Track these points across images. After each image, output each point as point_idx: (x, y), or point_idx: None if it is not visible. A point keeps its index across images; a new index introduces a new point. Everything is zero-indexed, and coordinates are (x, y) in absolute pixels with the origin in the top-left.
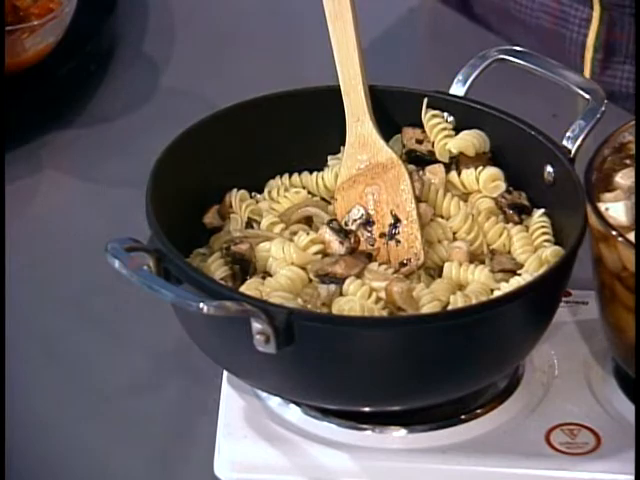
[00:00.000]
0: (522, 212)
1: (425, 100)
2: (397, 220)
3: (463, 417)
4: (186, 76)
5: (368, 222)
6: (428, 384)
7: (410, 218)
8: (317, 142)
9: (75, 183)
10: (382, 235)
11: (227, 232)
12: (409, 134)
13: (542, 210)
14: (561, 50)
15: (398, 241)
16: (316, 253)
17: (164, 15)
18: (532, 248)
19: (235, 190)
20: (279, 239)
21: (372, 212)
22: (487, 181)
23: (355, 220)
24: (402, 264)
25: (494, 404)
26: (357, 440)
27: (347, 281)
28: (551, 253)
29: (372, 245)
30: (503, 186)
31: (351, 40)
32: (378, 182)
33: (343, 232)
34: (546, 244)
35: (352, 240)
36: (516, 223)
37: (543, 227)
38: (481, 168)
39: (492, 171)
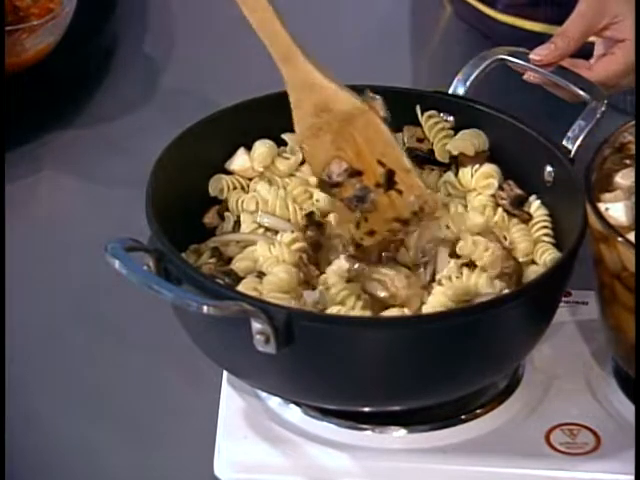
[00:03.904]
0: (522, 204)
1: (420, 103)
2: (391, 170)
3: (463, 417)
4: (186, 76)
5: (355, 173)
6: (428, 384)
7: (404, 167)
8: None
9: (75, 183)
10: (379, 185)
11: (220, 232)
12: (410, 132)
13: (539, 201)
14: None
15: (399, 191)
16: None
17: (164, 15)
18: (531, 238)
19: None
20: (262, 240)
21: (355, 163)
22: (479, 179)
23: (339, 174)
24: (415, 213)
25: (494, 404)
26: (357, 440)
27: (332, 291)
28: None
29: (367, 195)
30: (495, 184)
31: None
32: (350, 130)
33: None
34: (545, 238)
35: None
36: (525, 221)
37: (542, 221)
38: (478, 166)
39: (485, 169)
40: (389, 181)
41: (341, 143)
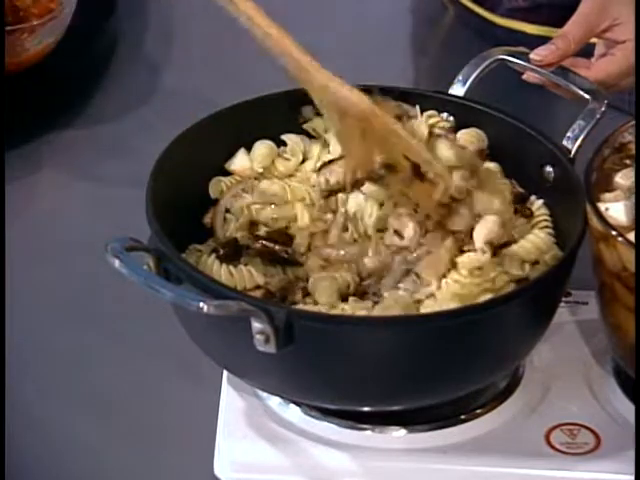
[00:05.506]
0: (524, 202)
1: (420, 103)
2: (416, 164)
3: (463, 417)
4: (186, 76)
5: (391, 168)
6: (428, 384)
7: (424, 159)
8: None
9: (75, 183)
10: (414, 176)
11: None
12: None
13: (541, 201)
14: None
15: (432, 182)
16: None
17: (164, 15)
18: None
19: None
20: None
21: (387, 159)
22: None
23: (378, 169)
24: (452, 198)
25: (494, 404)
26: (357, 440)
27: None
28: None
29: (410, 185)
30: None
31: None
32: (370, 131)
33: None
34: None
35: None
36: (527, 217)
37: (544, 220)
38: None
39: (486, 165)
40: (418, 173)
41: (369, 143)
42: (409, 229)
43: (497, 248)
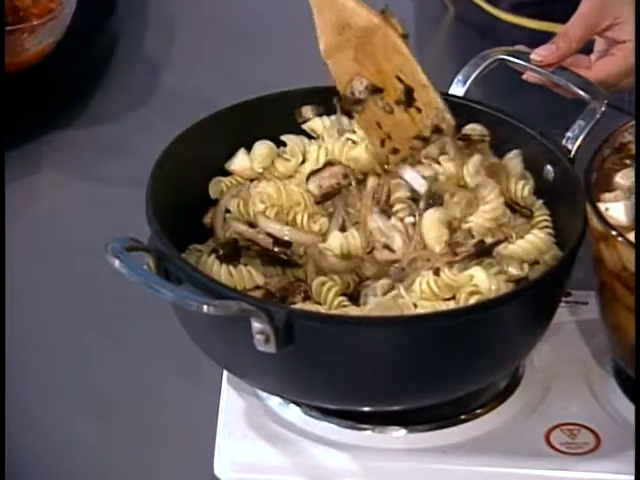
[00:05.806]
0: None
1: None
2: (409, 87)
3: (463, 417)
4: (186, 76)
5: (376, 90)
6: (428, 384)
7: (421, 82)
8: None
9: (75, 183)
10: (399, 102)
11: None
12: None
13: (541, 201)
14: None
15: (419, 109)
16: None
17: (164, 15)
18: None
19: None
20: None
21: (376, 80)
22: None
23: (361, 91)
24: (434, 131)
25: (494, 404)
26: (357, 440)
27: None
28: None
29: (391, 112)
30: None
31: None
32: (369, 47)
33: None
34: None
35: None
36: (527, 217)
37: (544, 220)
38: None
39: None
40: (408, 98)
41: (362, 60)
42: (397, 242)
43: (494, 247)
